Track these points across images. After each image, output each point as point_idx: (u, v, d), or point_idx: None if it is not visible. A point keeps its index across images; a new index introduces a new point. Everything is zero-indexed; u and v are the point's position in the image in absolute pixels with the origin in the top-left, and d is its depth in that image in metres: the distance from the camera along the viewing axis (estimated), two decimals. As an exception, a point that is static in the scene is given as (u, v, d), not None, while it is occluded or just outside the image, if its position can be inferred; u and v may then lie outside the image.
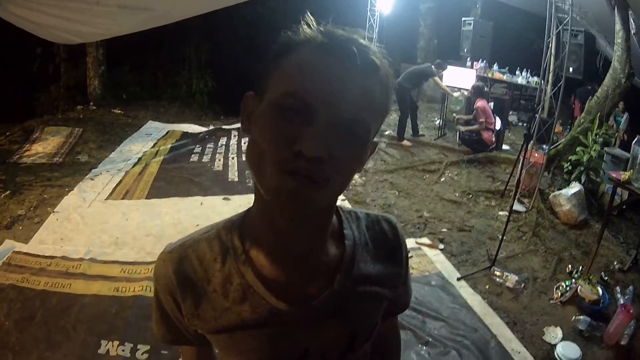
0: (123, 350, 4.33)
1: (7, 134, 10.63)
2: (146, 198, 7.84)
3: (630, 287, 5.72)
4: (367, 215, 1.43)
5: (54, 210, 7.09)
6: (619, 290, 5.71)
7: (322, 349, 1.29)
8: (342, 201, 7.49)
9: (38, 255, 5.82)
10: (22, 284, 5.20)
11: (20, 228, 6.56)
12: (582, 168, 8.12)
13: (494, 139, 10.22)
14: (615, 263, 6.35)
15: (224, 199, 7.89)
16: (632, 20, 8.42)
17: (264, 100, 1.08)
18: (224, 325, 1.23)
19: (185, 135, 11.77)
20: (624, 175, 5.51)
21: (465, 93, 11.63)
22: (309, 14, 1.10)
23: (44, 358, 4.20)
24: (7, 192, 7.47)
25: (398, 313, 1.62)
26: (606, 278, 6.00)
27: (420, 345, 4.66)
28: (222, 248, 1.26)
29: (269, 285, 1.20)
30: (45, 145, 9.99)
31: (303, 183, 1.00)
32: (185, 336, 1.36)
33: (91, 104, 13.87)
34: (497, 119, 10.38)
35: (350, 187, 8.28)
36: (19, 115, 12.17)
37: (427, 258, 6.31)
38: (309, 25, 1.09)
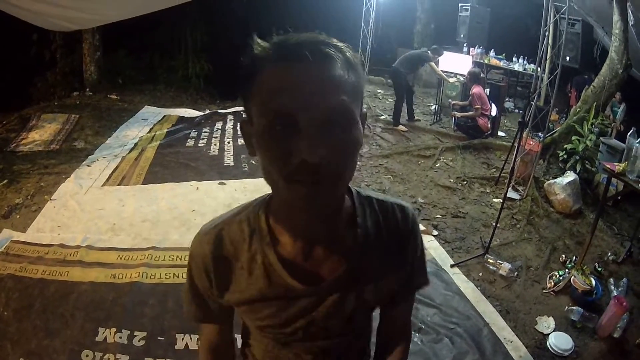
0: (120, 337, 4.37)
1: (4, 122, 10.62)
2: (142, 184, 7.86)
3: (624, 279, 5.75)
4: (382, 202, 1.54)
5: (51, 197, 7.12)
6: (612, 282, 5.75)
7: (325, 319, 1.45)
8: None
9: (36, 244, 5.85)
10: (20, 273, 5.23)
11: (18, 217, 6.59)
12: (577, 157, 8.15)
13: (489, 125, 10.25)
14: (609, 254, 6.38)
15: (219, 183, 7.90)
16: (630, 12, 8.39)
17: (253, 125, 1.19)
18: (246, 298, 1.44)
19: (181, 119, 11.76)
20: (619, 167, 5.50)
21: (461, 79, 11.62)
22: (255, 36, 1.23)
23: (42, 346, 4.24)
24: (5, 181, 7.49)
25: (413, 291, 1.74)
26: (600, 269, 6.04)
27: (412, 332, 4.64)
28: (250, 230, 1.43)
29: (286, 266, 1.38)
30: (41, 133, 9.99)
31: (312, 188, 1.12)
32: (212, 313, 1.58)
33: (87, 89, 13.84)
34: (493, 105, 10.41)
35: None
36: (15, 103, 12.15)
37: (421, 244, 6.30)
38: (259, 45, 1.20)
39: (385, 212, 1.51)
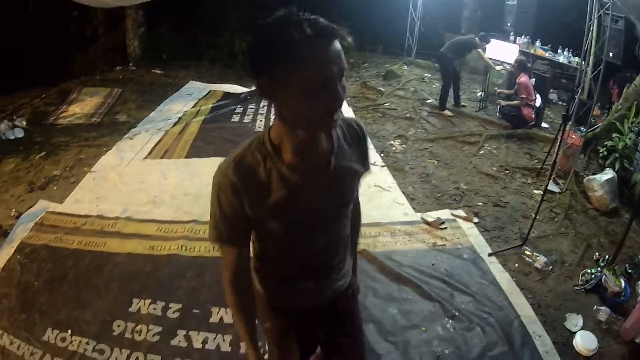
0: (154, 309, 4.32)
1: (43, 96, 10.63)
2: (185, 157, 7.83)
3: None
4: (343, 119, 2.14)
5: (91, 169, 7.09)
6: None
7: (325, 207, 2.05)
8: (381, 167, 7.64)
9: (73, 215, 5.83)
10: (55, 244, 5.21)
11: (55, 188, 6.56)
12: (616, 155, 7.86)
13: (533, 115, 9.95)
14: None
15: (264, 159, 7.72)
16: None
17: (289, 86, 1.65)
18: (269, 205, 1.92)
19: (226, 95, 11.70)
20: None
21: (508, 67, 11.34)
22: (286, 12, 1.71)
23: (72, 317, 4.21)
24: (42, 153, 7.47)
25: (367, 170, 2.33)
26: (630, 271, 5.72)
27: (446, 319, 4.59)
28: (262, 155, 1.91)
29: (294, 171, 1.92)
30: (82, 106, 9.99)
31: (333, 122, 1.76)
32: (236, 234, 2.02)
33: (130, 64, 13.88)
34: (538, 96, 10.12)
35: (391, 153, 8.30)
36: (56, 78, 12.17)
37: (461, 230, 6.17)
38: (294, 23, 1.63)
39: (346, 125, 2.15)
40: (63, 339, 4.00)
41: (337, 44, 1.62)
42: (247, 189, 1.89)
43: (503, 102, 10.05)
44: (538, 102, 9.87)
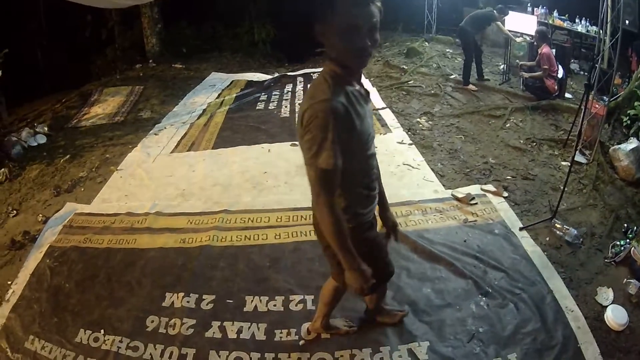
0: (188, 302, 4.32)
1: (63, 100, 10.71)
2: (212, 148, 7.83)
3: None
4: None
5: (117, 168, 7.12)
6: None
7: (372, 131, 2.72)
8: (409, 146, 7.56)
9: (101, 214, 5.84)
10: (85, 245, 5.23)
11: (82, 190, 6.58)
12: (639, 123, 7.80)
13: (556, 86, 9.87)
14: None
15: (291, 145, 7.76)
16: None
17: (333, 26, 2.33)
18: (356, 125, 2.48)
19: (250, 83, 11.75)
20: None
21: (528, 38, 11.24)
22: None
23: (106, 315, 4.22)
24: (67, 157, 7.49)
25: None
26: None
27: (479, 296, 4.55)
28: (338, 89, 2.43)
29: (363, 98, 2.62)
30: (105, 107, 10.05)
31: (367, 57, 2.44)
32: (339, 160, 2.42)
33: (150, 61, 13.95)
34: (560, 66, 10.03)
35: (418, 131, 8.26)
36: (75, 82, 12.26)
37: (492, 205, 6.10)
38: None
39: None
40: (96, 339, 4.02)
41: (369, 6, 2.36)
42: (349, 111, 2.40)
43: (525, 74, 9.95)
44: (560, 72, 9.76)
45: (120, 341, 3.98)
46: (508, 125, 8.59)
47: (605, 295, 4.65)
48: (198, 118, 9.26)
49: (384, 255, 3.22)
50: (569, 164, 6.01)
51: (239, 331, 4.01)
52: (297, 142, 6.85)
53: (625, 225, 5.72)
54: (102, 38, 14.73)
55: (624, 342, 4.24)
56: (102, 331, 4.07)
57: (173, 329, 4.04)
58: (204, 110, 9.75)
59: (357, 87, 2.58)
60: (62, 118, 9.58)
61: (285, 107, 9.80)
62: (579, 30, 12.34)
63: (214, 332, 4.01)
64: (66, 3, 7.31)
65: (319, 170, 2.38)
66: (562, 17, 12.78)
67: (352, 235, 2.66)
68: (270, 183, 6.57)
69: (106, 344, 3.96)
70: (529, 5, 13.20)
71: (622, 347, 4.19)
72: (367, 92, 2.70)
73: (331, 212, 2.47)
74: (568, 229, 5.49)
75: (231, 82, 11.92)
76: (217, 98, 10.56)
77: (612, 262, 5.15)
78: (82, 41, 14.51)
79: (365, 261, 2.72)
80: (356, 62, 2.47)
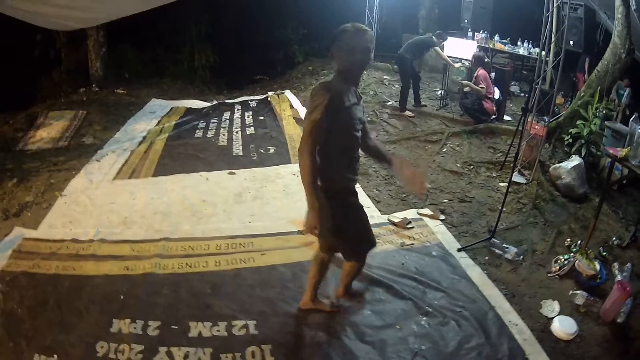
0: (135, 328, 4.42)
1: (11, 122, 10.63)
2: (152, 176, 7.90)
3: (629, 264, 5.71)
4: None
5: (62, 193, 7.14)
6: (617, 267, 5.71)
7: (360, 118, 3.85)
8: None
9: (48, 240, 5.87)
10: (34, 270, 5.26)
11: (29, 214, 6.60)
12: (582, 141, 8.11)
13: (494, 108, 10.24)
14: (614, 239, 6.34)
15: (229, 173, 7.92)
16: None
17: (343, 49, 3.69)
18: (345, 108, 3.66)
19: (189, 111, 11.81)
20: (622, 152, 5.46)
21: (467, 64, 11.56)
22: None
23: (58, 341, 4.27)
24: (14, 180, 7.49)
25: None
26: (604, 253, 6.00)
27: (420, 316, 4.76)
28: (338, 84, 3.73)
29: (352, 95, 3.79)
30: (49, 131, 10.02)
31: (360, 74, 4.13)
32: (325, 127, 3.58)
33: (94, 85, 13.84)
34: (496, 89, 10.41)
35: None
36: (22, 102, 12.19)
37: (429, 229, 6.39)
38: (347, 26, 3.73)
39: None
40: (50, 365, 4.07)
41: (366, 36, 3.67)
42: (337, 97, 3.58)
43: (466, 87, 10.37)
44: (497, 94, 10.08)
45: (74, 367, 4.02)
46: (445, 149, 9.00)
47: (551, 307, 5.00)
48: (139, 145, 9.30)
49: (363, 223, 4.22)
50: (507, 184, 6.31)
51: (186, 356, 4.15)
52: (234, 171, 7.77)
53: (569, 239, 6.14)
54: (50, 59, 14.56)
55: (575, 350, 4.56)
56: (56, 356, 4.12)
57: (122, 355, 4.14)
58: (144, 137, 9.79)
59: (353, 88, 3.84)
60: (11, 140, 9.57)
61: (223, 135, 9.96)
62: (521, 52, 12.93)
63: (161, 358, 4.12)
64: (16, 21, 7.33)
65: (310, 121, 3.56)
66: (504, 41, 13.24)
67: (337, 195, 3.87)
68: (209, 211, 6.71)
69: (60, 370, 4.01)
70: (469, 30, 13.55)
71: (574, 355, 4.50)
72: (360, 94, 3.96)
73: (310, 156, 3.56)
74: (507, 247, 5.88)
75: (171, 109, 11.97)
76: (157, 125, 10.60)
77: (556, 276, 5.50)
78: (30, 61, 14.37)
79: (343, 221, 3.91)
80: (355, 77, 3.90)
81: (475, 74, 10.15)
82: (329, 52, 3.76)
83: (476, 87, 10.00)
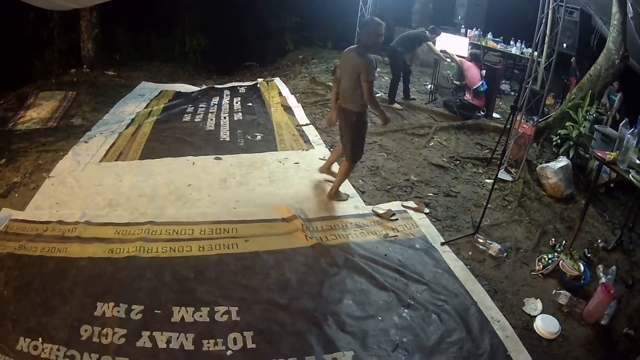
0: (118, 311, 4.46)
1: (1, 101, 10.61)
2: (139, 159, 7.93)
3: (614, 267, 5.78)
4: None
5: (49, 175, 7.14)
6: (602, 269, 5.80)
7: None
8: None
9: (34, 222, 5.89)
10: (20, 252, 5.29)
11: (17, 195, 6.62)
12: (571, 143, 8.19)
13: (483, 102, 10.38)
14: (599, 241, 6.43)
15: (215, 158, 7.95)
16: (629, 5, 8.32)
17: (367, 30, 6.08)
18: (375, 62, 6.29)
19: (178, 95, 11.84)
20: (610, 156, 5.50)
21: (458, 59, 11.49)
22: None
23: (42, 323, 4.31)
24: (3, 160, 7.51)
25: None
26: (589, 255, 6.08)
27: (402, 308, 4.81)
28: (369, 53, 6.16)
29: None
30: (39, 111, 10.00)
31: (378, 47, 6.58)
32: None
33: (85, 66, 13.83)
34: (484, 81, 10.36)
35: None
36: (13, 82, 12.06)
37: (413, 221, 6.45)
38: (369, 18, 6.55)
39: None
40: (35, 347, 4.09)
41: (382, 27, 5.87)
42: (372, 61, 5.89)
43: (457, 82, 10.65)
44: (483, 86, 10.06)
45: (58, 350, 4.08)
46: (432, 143, 9.03)
47: (534, 305, 5.07)
48: (126, 127, 9.31)
49: (364, 138, 6.73)
50: (493, 181, 6.33)
51: (169, 341, 4.20)
52: (220, 156, 7.94)
53: (554, 239, 6.21)
54: (42, 38, 14.45)
55: (557, 349, 4.62)
56: (40, 339, 4.15)
57: (106, 339, 4.19)
58: (133, 119, 9.79)
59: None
60: (1, 120, 9.52)
61: (211, 120, 9.98)
62: (513, 52, 12.81)
63: (144, 342, 4.18)
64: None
65: (370, 81, 5.77)
66: (497, 39, 13.19)
67: (363, 119, 6.39)
68: (194, 196, 6.74)
69: (45, 352, 4.06)
70: (462, 26, 13.54)
71: (556, 355, 4.57)
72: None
73: (373, 93, 5.99)
74: (491, 244, 5.94)
75: (160, 92, 12.00)
76: (145, 108, 10.62)
77: (540, 275, 5.56)
78: (23, 40, 14.27)
79: (359, 136, 6.53)
80: (378, 46, 6.12)
81: (464, 68, 10.28)
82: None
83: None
